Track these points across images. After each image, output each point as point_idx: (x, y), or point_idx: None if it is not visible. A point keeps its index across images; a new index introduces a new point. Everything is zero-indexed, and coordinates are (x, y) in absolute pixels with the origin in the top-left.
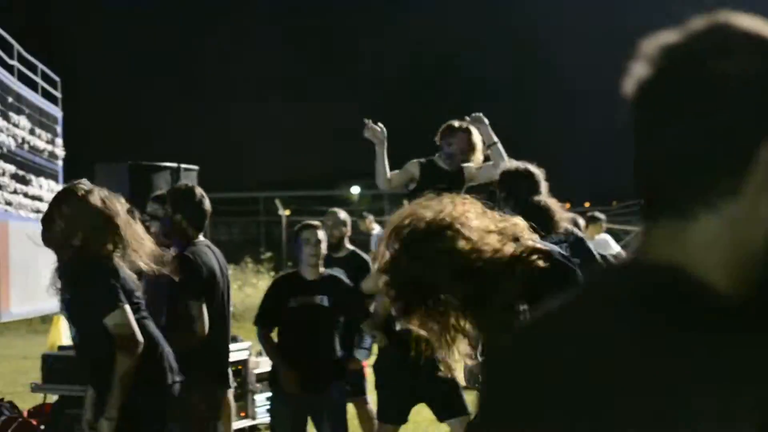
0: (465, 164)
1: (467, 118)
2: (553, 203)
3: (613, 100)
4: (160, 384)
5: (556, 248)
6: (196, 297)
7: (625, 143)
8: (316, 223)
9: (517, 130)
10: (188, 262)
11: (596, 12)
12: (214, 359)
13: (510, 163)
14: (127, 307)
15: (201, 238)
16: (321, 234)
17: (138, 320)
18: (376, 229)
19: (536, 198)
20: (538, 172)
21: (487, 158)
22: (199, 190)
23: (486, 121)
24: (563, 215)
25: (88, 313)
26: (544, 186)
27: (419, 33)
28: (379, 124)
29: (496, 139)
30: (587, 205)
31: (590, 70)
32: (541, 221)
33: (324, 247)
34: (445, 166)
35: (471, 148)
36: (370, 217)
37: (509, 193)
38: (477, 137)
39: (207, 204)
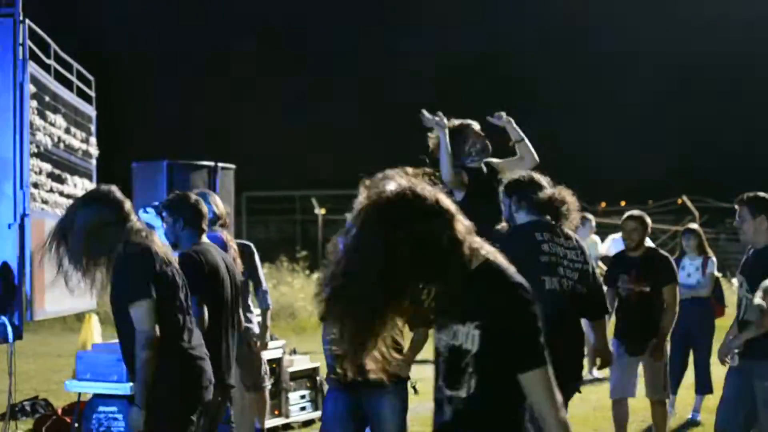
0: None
1: (489, 119)
2: (566, 194)
3: (651, 100)
4: (186, 383)
5: (519, 279)
6: (192, 293)
7: (663, 143)
8: None
9: (554, 131)
10: (189, 259)
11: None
12: (211, 356)
13: (512, 174)
14: (148, 302)
15: (205, 239)
16: None
17: (175, 314)
18: None
19: (547, 192)
20: (540, 177)
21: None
22: (193, 195)
23: (511, 119)
24: (575, 205)
25: (120, 304)
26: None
27: (447, 33)
28: (438, 112)
29: (522, 135)
30: (623, 204)
31: (628, 72)
32: (554, 211)
33: None
34: (475, 165)
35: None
36: None
37: (521, 198)
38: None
39: (204, 207)
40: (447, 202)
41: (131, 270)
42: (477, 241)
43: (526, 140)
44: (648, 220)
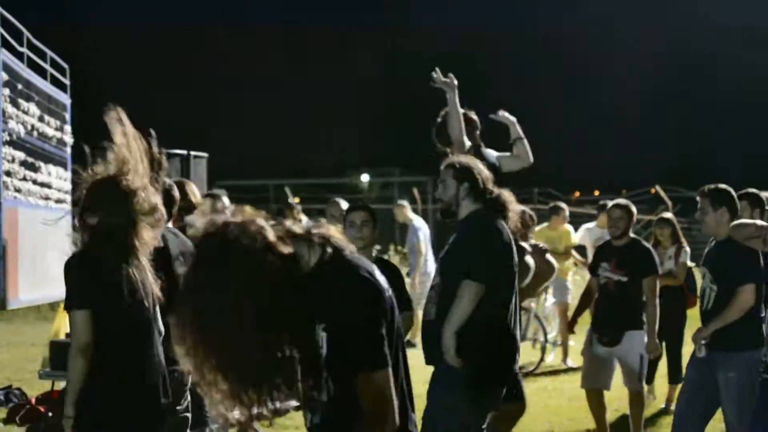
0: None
1: (492, 116)
2: (507, 195)
3: (624, 91)
4: (126, 393)
5: (363, 273)
6: None
7: (636, 133)
8: (362, 204)
9: (528, 120)
10: None
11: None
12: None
13: (471, 161)
14: (82, 313)
15: (169, 225)
16: (366, 215)
17: (123, 323)
18: (415, 219)
19: (494, 193)
20: (488, 172)
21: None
22: (167, 180)
23: (513, 118)
24: (516, 207)
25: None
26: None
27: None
28: (449, 74)
29: (522, 134)
30: (597, 193)
31: (604, 59)
32: (500, 212)
33: (369, 230)
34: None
35: None
36: (406, 205)
37: (472, 187)
38: None
39: (176, 193)
40: (255, 224)
41: (74, 274)
42: (317, 234)
43: (525, 140)
44: (634, 209)
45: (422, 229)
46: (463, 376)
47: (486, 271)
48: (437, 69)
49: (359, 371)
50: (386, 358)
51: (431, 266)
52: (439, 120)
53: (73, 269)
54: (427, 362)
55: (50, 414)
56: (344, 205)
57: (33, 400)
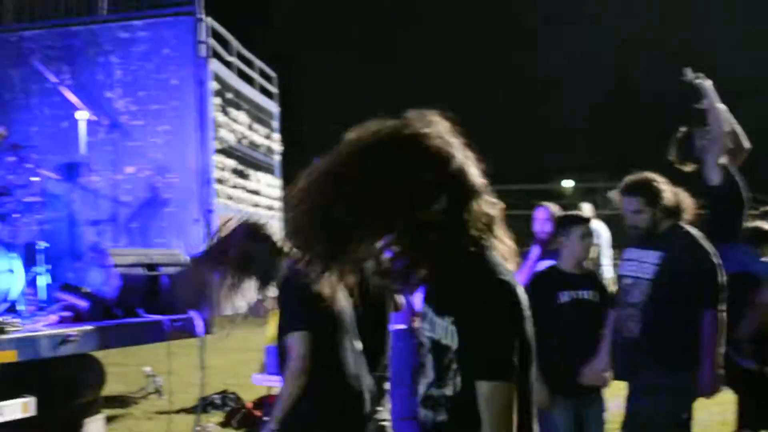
0: None
1: (684, 77)
2: (683, 196)
3: None
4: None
5: (507, 278)
6: None
7: None
8: (586, 216)
9: (737, 118)
10: None
11: None
12: None
13: (650, 179)
14: (301, 334)
15: None
16: (592, 228)
17: (333, 348)
18: (594, 222)
19: (668, 193)
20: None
21: None
22: None
23: (708, 83)
24: (690, 205)
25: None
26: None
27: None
28: (700, 74)
29: (713, 104)
30: None
31: None
32: (676, 213)
33: (590, 242)
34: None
35: None
36: (586, 207)
37: (664, 205)
38: None
39: None
40: (467, 171)
41: (291, 298)
42: (484, 226)
43: (716, 110)
44: None
45: (598, 233)
46: (666, 387)
47: (724, 297)
48: (687, 69)
49: (482, 379)
50: (512, 370)
51: (607, 272)
52: (678, 135)
53: (290, 289)
54: (617, 377)
55: (266, 419)
56: (553, 208)
57: (249, 405)
